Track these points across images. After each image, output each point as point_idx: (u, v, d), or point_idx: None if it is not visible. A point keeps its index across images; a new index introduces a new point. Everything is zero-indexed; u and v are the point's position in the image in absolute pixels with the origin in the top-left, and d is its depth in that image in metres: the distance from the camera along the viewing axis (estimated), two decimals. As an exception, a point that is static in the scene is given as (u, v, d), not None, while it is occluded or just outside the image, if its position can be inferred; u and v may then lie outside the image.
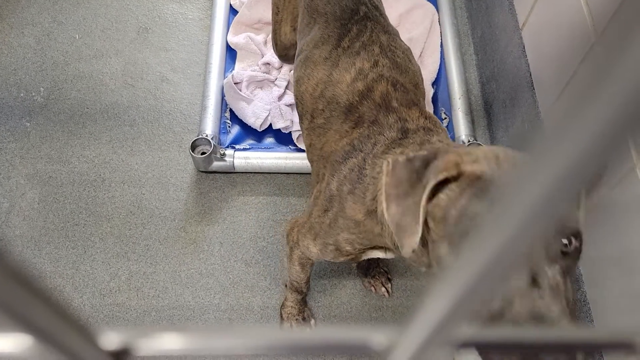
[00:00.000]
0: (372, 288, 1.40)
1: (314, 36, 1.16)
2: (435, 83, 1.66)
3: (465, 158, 0.69)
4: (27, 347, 0.13)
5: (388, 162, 0.72)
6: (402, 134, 0.91)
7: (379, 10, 1.17)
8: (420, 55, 1.70)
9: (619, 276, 1.00)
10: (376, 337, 0.21)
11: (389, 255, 0.96)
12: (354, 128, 0.97)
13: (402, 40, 1.16)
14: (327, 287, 1.41)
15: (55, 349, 0.13)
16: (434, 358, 0.19)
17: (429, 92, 1.62)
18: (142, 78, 1.72)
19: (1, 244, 0.11)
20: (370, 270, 1.40)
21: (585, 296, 1.11)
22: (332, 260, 1.03)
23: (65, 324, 0.12)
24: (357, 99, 1.00)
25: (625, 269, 0.98)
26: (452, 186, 0.68)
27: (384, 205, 0.71)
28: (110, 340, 0.15)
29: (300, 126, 1.15)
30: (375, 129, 0.94)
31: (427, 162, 0.70)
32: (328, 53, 1.10)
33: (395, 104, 0.97)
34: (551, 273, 0.62)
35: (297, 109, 1.17)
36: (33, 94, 1.68)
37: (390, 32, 1.14)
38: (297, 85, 1.15)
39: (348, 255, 0.99)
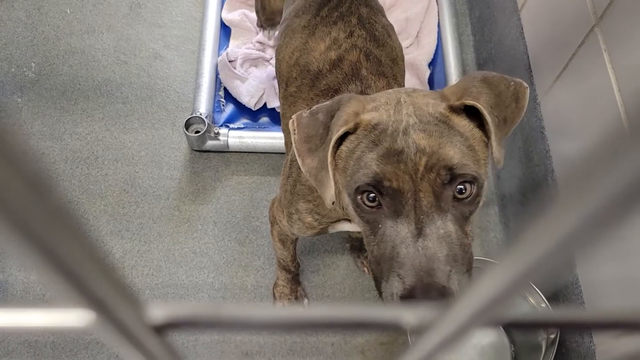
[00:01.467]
0: (365, 268, 1.41)
1: (297, 5, 1.15)
2: (432, 64, 1.65)
3: (367, 106, 0.70)
4: (90, 322, 0.12)
5: (293, 119, 0.73)
6: (360, 84, 0.92)
7: None
8: (417, 35, 1.68)
9: (611, 259, 1.01)
10: (406, 315, 0.21)
11: (356, 228, 0.95)
12: (319, 96, 0.97)
13: (385, 17, 1.15)
14: (321, 267, 1.42)
15: (112, 323, 0.12)
16: (468, 339, 0.19)
17: (426, 72, 1.61)
18: (135, 54, 1.70)
19: (76, 218, 0.11)
20: (363, 250, 1.40)
21: (577, 279, 1.12)
22: (304, 235, 1.01)
23: (124, 298, 0.12)
24: (327, 67, 0.99)
25: (617, 251, 0.99)
26: (351, 137, 0.69)
27: (299, 161, 0.72)
28: (155, 314, 0.15)
29: (278, 96, 1.16)
30: (334, 95, 0.93)
31: (331, 113, 0.71)
32: (307, 22, 1.09)
33: (364, 72, 0.96)
34: (441, 222, 0.63)
35: (276, 78, 1.17)
36: (24, 69, 1.65)
37: (373, 7, 1.12)
38: (277, 54, 1.15)
39: (314, 229, 0.97)
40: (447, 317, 0.18)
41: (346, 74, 0.96)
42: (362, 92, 0.92)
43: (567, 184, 0.13)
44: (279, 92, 1.13)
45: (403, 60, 1.11)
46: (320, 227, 0.97)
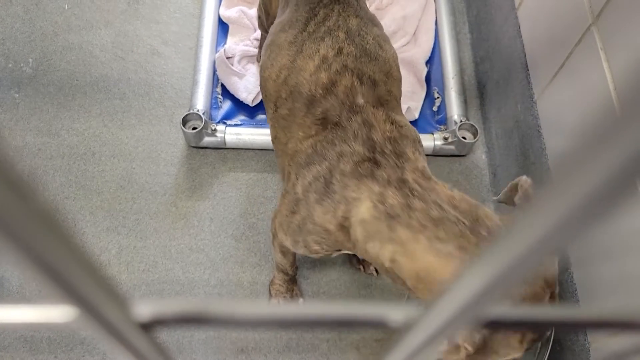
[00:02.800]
0: (360, 266, 1.41)
1: (283, 19, 1.11)
2: (429, 62, 1.65)
3: None
4: (72, 318, 0.13)
5: None
6: (369, 150, 0.87)
7: None
8: (414, 33, 1.69)
9: (607, 259, 1.02)
10: (393, 313, 0.21)
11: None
12: (317, 125, 0.93)
13: (377, 27, 1.11)
14: (317, 264, 1.42)
15: (96, 320, 0.13)
16: (451, 336, 0.20)
17: (423, 71, 1.61)
18: (133, 50, 1.70)
19: (57, 213, 0.11)
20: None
21: (572, 277, 1.12)
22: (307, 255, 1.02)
23: (108, 295, 0.12)
24: (320, 91, 0.95)
25: (612, 251, 1.00)
26: None
27: None
28: (141, 311, 0.15)
29: (267, 117, 1.10)
30: (339, 134, 0.90)
31: None
32: (293, 37, 1.04)
33: (361, 100, 0.93)
34: None
35: (262, 97, 1.11)
36: (21, 64, 1.65)
37: (362, 17, 1.07)
38: (262, 70, 1.10)
39: (318, 254, 0.98)
40: (432, 314, 0.18)
41: (342, 103, 0.92)
42: (367, 137, 0.89)
43: (557, 173, 0.13)
44: (267, 112, 1.08)
45: (398, 69, 1.08)
46: (326, 253, 0.98)
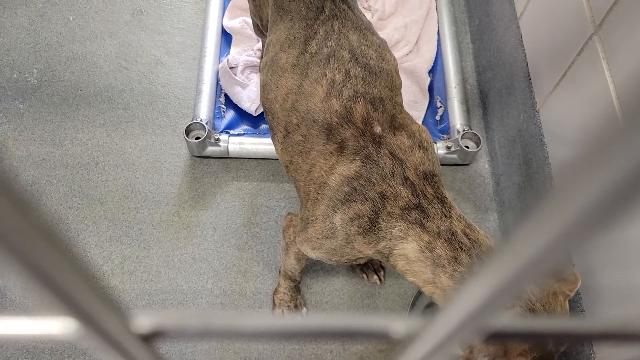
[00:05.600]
0: (364, 275, 1.41)
1: (280, 36, 1.10)
2: (431, 71, 1.66)
3: None
4: (73, 331, 0.13)
5: None
6: (412, 194, 0.91)
7: (347, 2, 1.09)
8: (416, 42, 1.69)
9: (612, 267, 1.01)
10: (395, 324, 0.21)
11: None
12: (339, 152, 0.96)
13: (374, 34, 1.10)
14: (320, 274, 1.42)
15: (96, 332, 0.13)
16: (454, 348, 0.20)
17: (426, 80, 1.62)
18: (137, 61, 1.71)
19: (55, 226, 0.11)
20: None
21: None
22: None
23: (108, 307, 0.12)
24: (335, 119, 0.97)
25: (618, 259, 0.99)
26: None
27: None
28: (141, 323, 0.15)
29: (272, 137, 1.11)
30: (373, 169, 0.93)
31: None
32: (295, 59, 1.04)
33: (378, 129, 0.95)
34: None
35: (265, 117, 1.12)
36: (26, 75, 1.66)
37: (361, 28, 1.07)
38: (264, 91, 1.10)
39: (337, 262, 1.03)
40: (435, 326, 0.18)
41: (363, 133, 0.95)
42: (402, 175, 0.93)
43: (560, 182, 0.12)
44: (276, 135, 1.08)
45: (399, 75, 1.09)
46: (345, 262, 1.03)
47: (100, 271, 1.40)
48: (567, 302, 0.85)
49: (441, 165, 1.55)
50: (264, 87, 1.11)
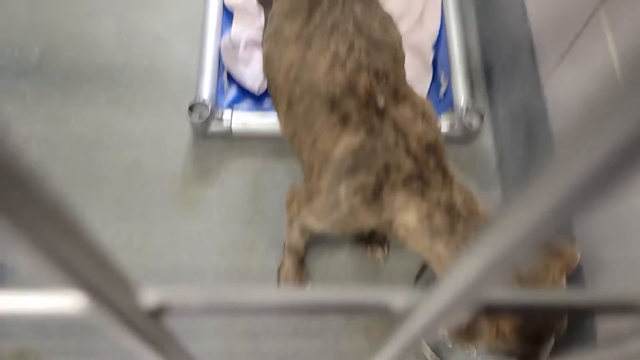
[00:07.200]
0: (369, 247, 1.42)
1: (284, 6, 1.10)
2: (435, 46, 1.64)
3: None
4: (81, 306, 0.13)
5: None
6: (415, 165, 0.92)
7: None
8: (420, 16, 1.67)
9: (614, 238, 1.02)
10: (396, 298, 0.21)
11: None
12: (343, 124, 0.96)
13: (378, 7, 1.10)
14: (325, 249, 1.43)
15: (105, 307, 0.13)
16: (452, 321, 0.20)
17: (430, 55, 1.60)
18: (138, 39, 1.70)
19: (65, 202, 0.11)
20: (374, 239, 1.41)
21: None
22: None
23: (116, 282, 0.13)
24: (339, 91, 0.97)
25: (620, 230, 0.99)
26: None
27: None
28: (150, 298, 0.15)
29: (275, 108, 1.11)
30: (377, 140, 0.93)
31: None
32: (299, 29, 1.04)
33: (381, 101, 0.95)
34: None
35: (268, 89, 1.12)
36: (27, 54, 1.66)
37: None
38: (268, 62, 1.10)
39: (343, 231, 1.07)
40: (432, 298, 0.19)
41: (367, 105, 0.95)
42: (405, 147, 0.92)
43: (561, 148, 0.12)
44: (279, 106, 1.08)
45: (402, 47, 1.09)
46: (349, 231, 1.04)
47: (106, 249, 1.41)
48: (563, 277, 0.86)
49: (444, 140, 1.54)
50: (267, 58, 1.11)
